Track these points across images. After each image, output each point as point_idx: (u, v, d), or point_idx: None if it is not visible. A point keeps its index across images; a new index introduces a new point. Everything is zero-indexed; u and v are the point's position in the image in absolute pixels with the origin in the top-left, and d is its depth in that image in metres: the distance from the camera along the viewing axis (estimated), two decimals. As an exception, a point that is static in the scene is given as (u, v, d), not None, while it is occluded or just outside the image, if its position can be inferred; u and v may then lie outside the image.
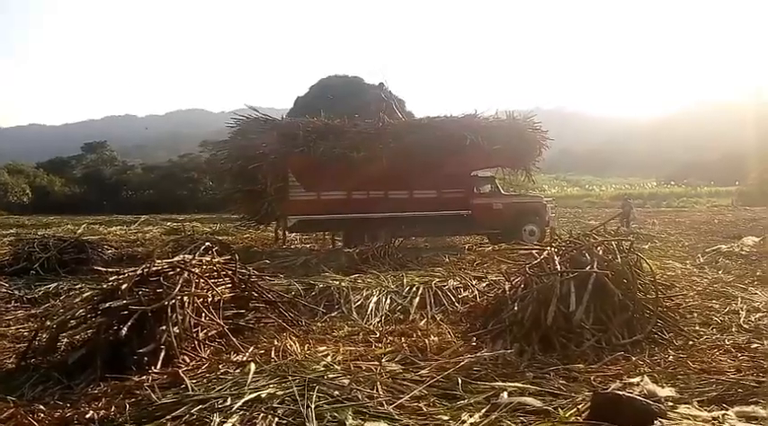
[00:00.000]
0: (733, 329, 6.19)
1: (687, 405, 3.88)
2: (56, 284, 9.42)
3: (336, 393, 4.19)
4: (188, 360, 5.24)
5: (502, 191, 16.39)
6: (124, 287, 5.58)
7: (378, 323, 7.02)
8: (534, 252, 7.54)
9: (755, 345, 5.53)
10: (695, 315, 6.76)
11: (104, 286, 5.92)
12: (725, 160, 55.17)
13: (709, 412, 3.79)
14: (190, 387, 4.42)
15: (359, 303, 7.62)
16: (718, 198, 43.66)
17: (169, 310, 5.41)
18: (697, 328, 6.22)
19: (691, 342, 5.73)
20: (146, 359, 5.03)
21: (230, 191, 16.54)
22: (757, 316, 6.63)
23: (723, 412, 3.76)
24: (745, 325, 6.30)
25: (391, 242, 12.32)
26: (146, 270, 5.99)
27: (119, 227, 23.96)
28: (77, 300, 5.86)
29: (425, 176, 14.89)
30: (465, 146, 14.82)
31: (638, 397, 3.63)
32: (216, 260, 6.96)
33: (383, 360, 5.18)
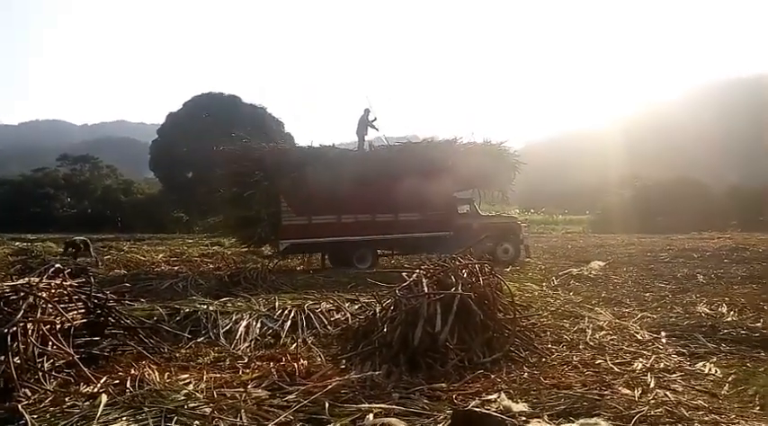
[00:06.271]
0: (581, 346, 6.73)
1: (538, 419, 4.15)
2: None
3: (196, 423, 4.02)
4: (30, 393, 4.80)
5: (480, 212, 17.35)
6: (-45, 313, 5.00)
7: (247, 348, 6.83)
8: (404, 274, 7.74)
9: (599, 361, 6.03)
10: (548, 333, 7.27)
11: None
12: (579, 190, 60.30)
13: (557, 425, 4.08)
14: (30, 423, 4.09)
15: (227, 327, 7.38)
16: (571, 225, 47.42)
17: (9, 338, 4.93)
18: (549, 346, 6.70)
19: (544, 359, 6.15)
20: (-22, 393, 4.53)
21: (226, 218, 16.90)
22: (601, 334, 7.25)
23: (570, 424, 4.06)
24: (590, 343, 6.86)
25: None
26: (-18, 294, 5.42)
27: (-44, 247, 21.56)
28: None
29: (410, 199, 15.57)
30: (446, 169, 15.75)
31: (494, 413, 3.84)
32: (67, 283, 6.44)
33: (249, 387, 5.04)
